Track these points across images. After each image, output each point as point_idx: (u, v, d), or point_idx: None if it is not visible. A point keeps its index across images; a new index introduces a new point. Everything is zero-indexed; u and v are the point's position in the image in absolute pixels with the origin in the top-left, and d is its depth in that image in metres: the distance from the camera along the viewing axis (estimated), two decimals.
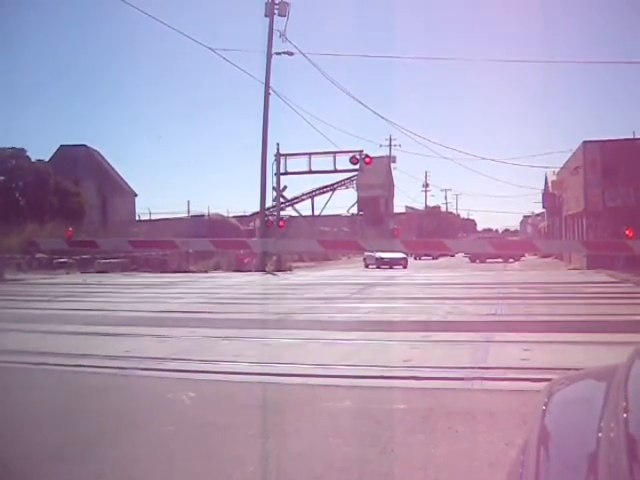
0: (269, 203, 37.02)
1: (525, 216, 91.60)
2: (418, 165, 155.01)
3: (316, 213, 66.00)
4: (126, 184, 58.41)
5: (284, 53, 33.62)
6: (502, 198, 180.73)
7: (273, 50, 33.53)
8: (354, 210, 70.45)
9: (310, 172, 51.27)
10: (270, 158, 36.09)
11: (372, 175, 58.34)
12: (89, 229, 37.02)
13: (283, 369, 7.41)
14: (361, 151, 41.55)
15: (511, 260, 42.49)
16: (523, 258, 47.46)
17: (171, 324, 11.36)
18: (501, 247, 28.29)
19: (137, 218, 56.76)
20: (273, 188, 37.80)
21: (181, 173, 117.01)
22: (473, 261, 42.95)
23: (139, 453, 4.67)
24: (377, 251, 34.72)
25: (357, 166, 43.31)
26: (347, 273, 31.91)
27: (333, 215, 66.42)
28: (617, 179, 29.89)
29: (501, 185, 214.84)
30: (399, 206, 79.64)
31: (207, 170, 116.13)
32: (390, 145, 65.12)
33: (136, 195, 59.54)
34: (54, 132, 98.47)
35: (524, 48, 71.00)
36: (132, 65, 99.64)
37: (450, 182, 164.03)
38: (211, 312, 13.42)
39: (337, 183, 65.56)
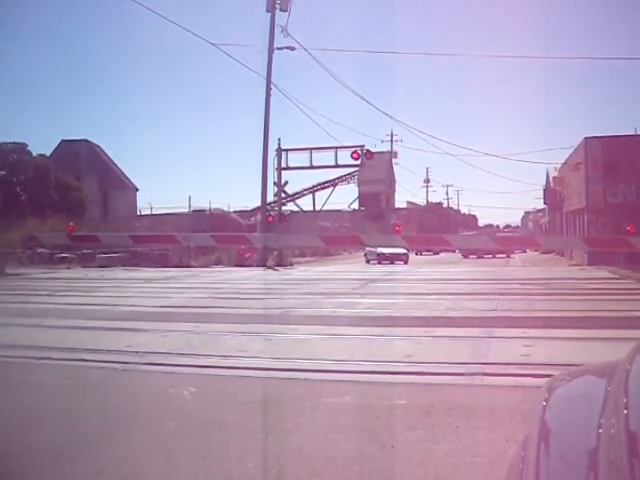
0: (270, 198, 36.98)
1: (526, 212, 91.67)
2: (419, 160, 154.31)
3: (317, 208, 66.08)
4: (127, 179, 58.40)
5: (286, 48, 33.55)
6: (503, 194, 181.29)
7: (275, 45, 33.45)
8: (355, 205, 70.58)
9: (311, 167, 51.23)
10: (271, 153, 36.06)
11: (373, 170, 58.27)
12: (90, 224, 37.03)
13: (284, 364, 7.41)
14: (362, 146, 41.46)
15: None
16: (522, 254, 47.54)
17: (172, 319, 11.37)
18: (502, 243, 28.35)
19: (138, 213, 56.79)
20: (274, 183, 37.74)
21: (182, 168, 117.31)
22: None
23: (139, 449, 4.68)
24: (378, 246, 34.71)
25: (358, 161, 43.24)
26: (348, 268, 31.91)
27: (334, 210, 66.50)
28: (618, 175, 29.85)
29: (502, 181, 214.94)
30: (400, 201, 79.60)
31: (208, 165, 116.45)
32: (391, 140, 65.01)
33: (137, 190, 59.58)
34: (55, 127, 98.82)
35: (526, 44, 71.00)
36: (134, 60, 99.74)
37: (451, 178, 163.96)
38: (212, 307, 13.41)
39: (338, 178, 65.66)
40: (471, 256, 42.76)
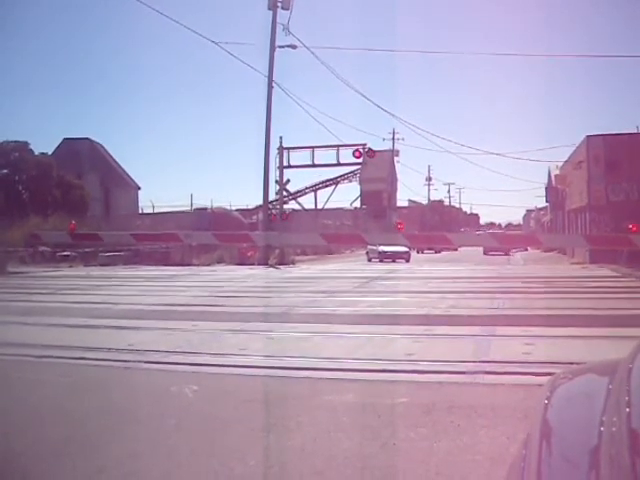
0: (272, 196, 37.00)
1: (528, 210, 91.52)
2: (421, 159, 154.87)
3: (319, 206, 66.03)
4: (129, 177, 58.45)
5: (287, 46, 33.50)
6: (505, 192, 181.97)
7: (276, 43, 33.42)
8: (357, 204, 70.46)
9: (313, 165, 51.29)
10: (273, 151, 36.04)
11: (375, 169, 58.26)
12: (92, 222, 37.05)
13: (286, 363, 7.41)
14: (364, 144, 41.55)
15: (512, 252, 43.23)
16: (523, 252, 47.67)
17: (174, 317, 11.37)
18: (505, 241, 28.30)
19: (140, 211, 56.78)
20: (276, 181, 37.74)
21: (184, 166, 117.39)
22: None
23: (141, 447, 4.68)
24: (380, 245, 34.74)
25: (360, 160, 43.34)
26: (350, 267, 31.91)
27: (336, 208, 66.43)
28: (620, 173, 29.81)
29: (504, 179, 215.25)
30: (402, 200, 79.57)
31: (210, 163, 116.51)
32: (393, 139, 65.00)
33: (139, 188, 59.66)
34: (57, 125, 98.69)
35: (527, 42, 70.96)
36: (135, 58, 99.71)
37: (453, 176, 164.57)
38: (214, 305, 13.43)
39: (340, 177, 65.60)
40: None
